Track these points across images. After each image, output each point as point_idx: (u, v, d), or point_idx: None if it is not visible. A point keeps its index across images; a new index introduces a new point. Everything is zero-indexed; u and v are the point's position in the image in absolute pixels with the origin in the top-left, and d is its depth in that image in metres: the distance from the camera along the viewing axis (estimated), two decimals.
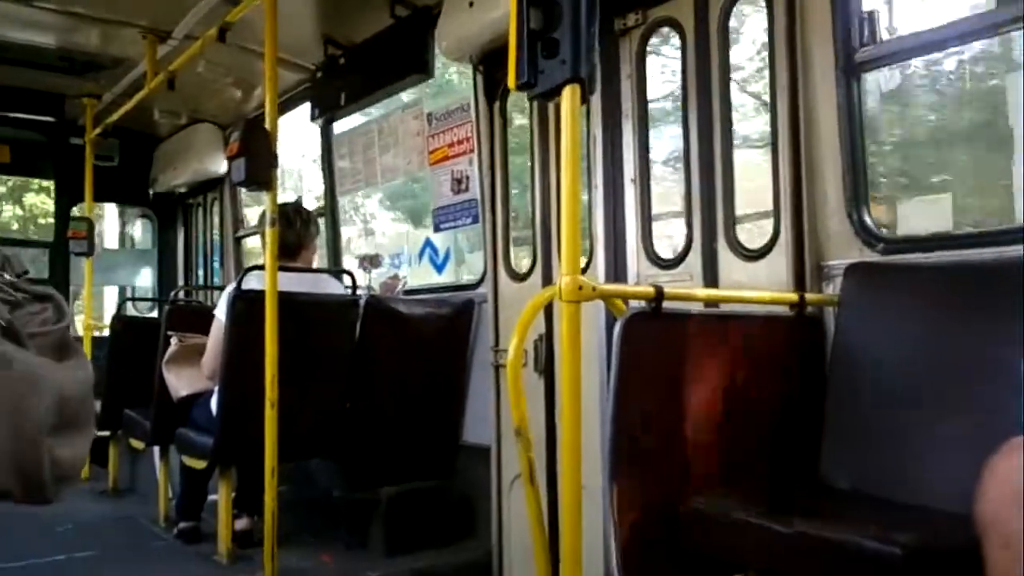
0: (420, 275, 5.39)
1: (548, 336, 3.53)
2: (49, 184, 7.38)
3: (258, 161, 3.57)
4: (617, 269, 3.33)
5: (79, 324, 6.02)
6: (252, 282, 3.76)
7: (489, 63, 3.78)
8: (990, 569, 1.45)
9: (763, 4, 2.88)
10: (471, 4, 3.57)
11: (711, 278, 3.01)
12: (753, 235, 2.92)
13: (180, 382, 4.33)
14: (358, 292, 4.19)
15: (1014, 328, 2.00)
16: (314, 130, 5.40)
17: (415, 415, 4.14)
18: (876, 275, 2.48)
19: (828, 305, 2.58)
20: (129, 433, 4.99)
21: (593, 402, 2.99)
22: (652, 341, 2.26)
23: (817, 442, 2.42)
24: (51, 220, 7.43)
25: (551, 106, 3.48)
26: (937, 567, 1.74)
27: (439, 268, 4.97)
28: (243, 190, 6.17)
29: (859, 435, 2.34)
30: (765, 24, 2.85)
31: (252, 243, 6.55)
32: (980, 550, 1.46)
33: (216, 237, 6.99)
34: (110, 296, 8.76)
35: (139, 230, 7.99)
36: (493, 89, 3.86)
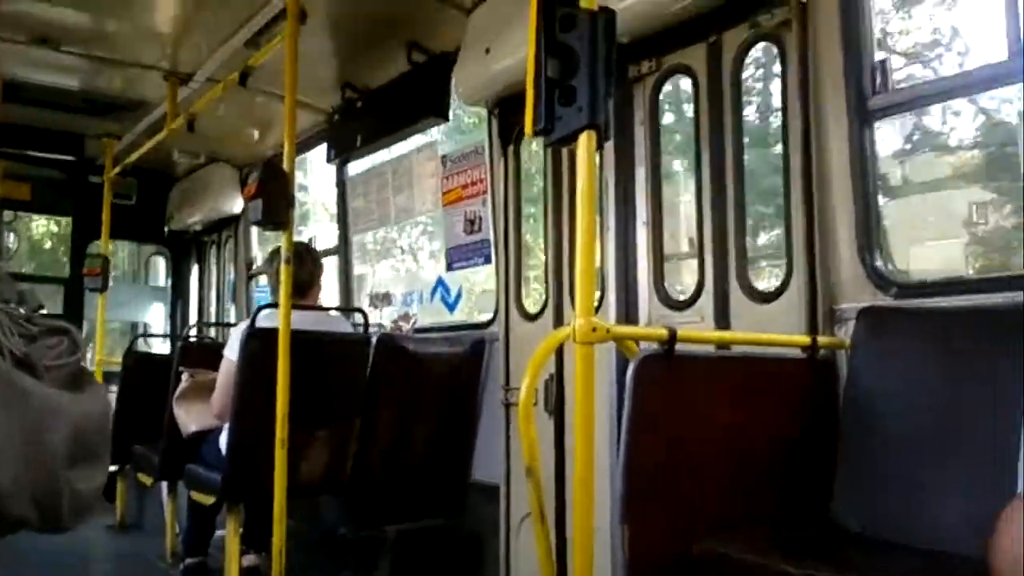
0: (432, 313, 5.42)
1: (559, 376, 3.54)
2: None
3: (275, 201, 3.62)
4: (628, 310, 3.36)
5: (90, 359, 6.05)
6: (263, 320, 3.79)
7: (504, 108, 3.85)
8: None
9: (776, 52, 2.95)
10: (487, 51, 3.65)
11: (723, 320, 3.02)
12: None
13: (190, 418, 4.34)
14: (370, 330, 4.21)
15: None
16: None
17: (425, 453, 4.13)
18: (888, 319, 2.50)
19: (840, 348, 2.59)
20: (138, 468, 4.99)
21: (603, 443, 2.99)
22: (665, 383, 2.27)
23: (829, 485, 2.42)
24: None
25: (564, 150, 3.53)
26: None
27: (451, 307, 4.99)
28: (255, 229, 6.26)
29: (871, 478, 2.34)
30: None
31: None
32: None
33: (229, 275, 7.05)
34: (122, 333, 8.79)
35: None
36: (507, 133, 3.93)
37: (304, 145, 5.48)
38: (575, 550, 2.07)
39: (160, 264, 7.86)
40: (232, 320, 6.69)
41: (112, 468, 5.33)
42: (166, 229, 7.17)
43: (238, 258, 6.77)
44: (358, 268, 5.94)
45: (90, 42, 4.63)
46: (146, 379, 5.11)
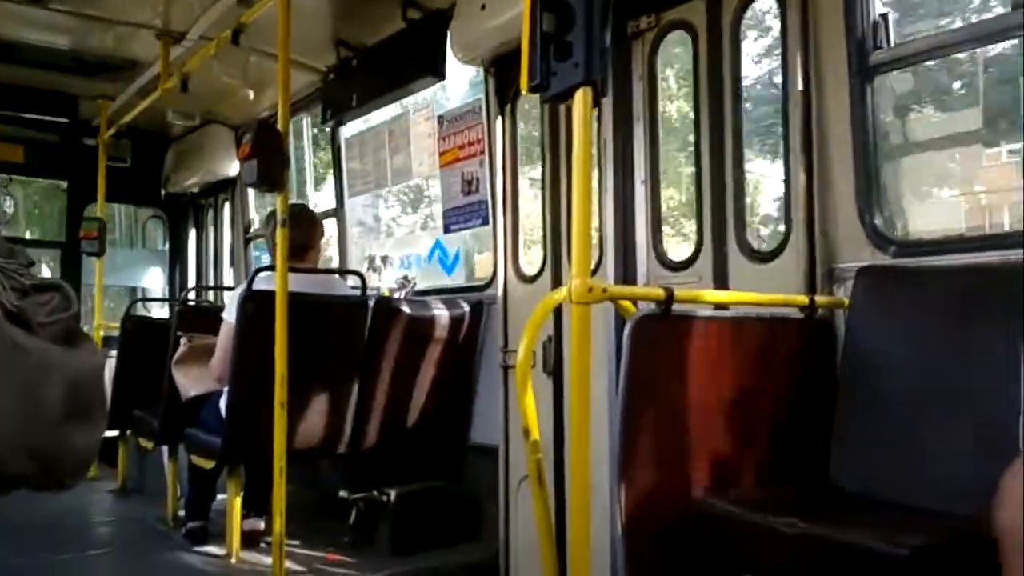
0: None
1: (557, 337, 3.53)
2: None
3: (270, 163, 3.58)
4: (627, 271, 3.33)
5: (89, 324, 6.05)
6: (261, 283, 3.78)
7: (500, 66, 3.80)
8: (1007, 572, 1.46)
9: (776, 7, 2.89)
10: (483, 7, 3.59)
11: (721, 280, 3.01)
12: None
13: (189, 382, 4.35)
14: (367, 293, 4.20)
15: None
16: None
17: (423, 415, 4.15)
18: (887, 278, 2.48)
19: (838, 308, 2.58)
20: (138, 433, 5.01)
21: (601, 403, 2.99)
22: (662, 343, 2.26)
23: (826, 444, 2.42)
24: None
25: (562, 108, 3.49)
26: (943, 568, 1.74)
27: (449, 270, 4.98)
28: (252, 191, 6.22)
29: (868, 438, 2.34)
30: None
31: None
32: (998, 555, 1.46)
33: (227, 238, 7.02)
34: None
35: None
36: (504, 91, 3.87)
37: (299, 105, 5.42)
38: (573, 510, 2.08)
39: (157, 228, 7.83)
40: (230, 283, 6.68)
41: (112, 433, 5.35)
42: (162, 192, 7.12)
43: (235, 221, 6.74)
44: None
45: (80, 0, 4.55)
46: (145, 343, 5.11)
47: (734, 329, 2.44)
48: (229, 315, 3.91)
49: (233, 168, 6.24)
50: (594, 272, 3.20)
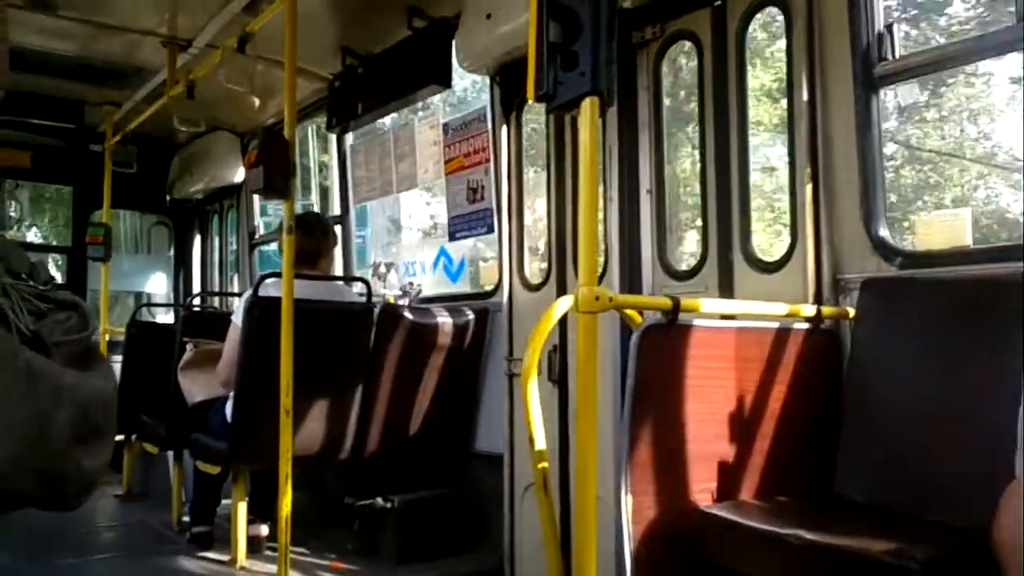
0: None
1: (562, 346, 3.54)
2: None
3: (276, 170, 3.60)
4: (632, 280, 3.34)
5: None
6: (268, 289, 3.79)
7: (506, 74, 3.81)
8: None
9: (781, 18, 2.90)
10: (489, 16, 3.60)
11: (726, 290, 3.01)
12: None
13: (195, 387, 4.36)
14: (373, 300, 4.21)
15: None
16: None
17: (428, 423, 4.15)
18: (893, 289, 2.48)
19: (844, 318, 2.58)
20: (143, 438, 5.02)
21: (606, 412, 2.99)
22: (668, 352, 2.27)
23: (832, 454, 2.42)
24: None
25: (567, 117, 3.50)
26: None
27: (454, 277, 4.98)
28: (257, 197, 6.24)
29: (874, 448, 2.34)
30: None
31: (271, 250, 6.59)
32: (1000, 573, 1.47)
33: (232, 244, 7.04)
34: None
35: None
36: (510, 100, 3.89)
37: (305, 113, 5.44)
38: (578, 519, 2.08)
39: (163, 234, 7.85)
40: (236, 289, 6.70)
41: (118, 438, 5.36)
42: (168, 198, 7.14)
43: (241, 227, 6.75)
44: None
45: (88, 7, 4.57)
46: (150, 349, 5.12)
47: (740, 339, 2.44)
48: (238, 318, 3.92)
49: (238, 175, 6.25)
50: (599, 280, 3.21)
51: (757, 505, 2.27)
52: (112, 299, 6.61)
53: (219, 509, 4.32)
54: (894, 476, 2.27)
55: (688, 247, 3.46)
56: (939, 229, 2.61)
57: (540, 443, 2.34)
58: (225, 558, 3.95)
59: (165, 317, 7.22)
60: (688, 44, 3.26)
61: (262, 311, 3.72)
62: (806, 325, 2.52)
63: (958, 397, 2.19)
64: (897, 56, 2.62)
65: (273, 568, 3.59)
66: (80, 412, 1.24)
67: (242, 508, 3.90)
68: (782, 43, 2.91)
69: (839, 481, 2.38)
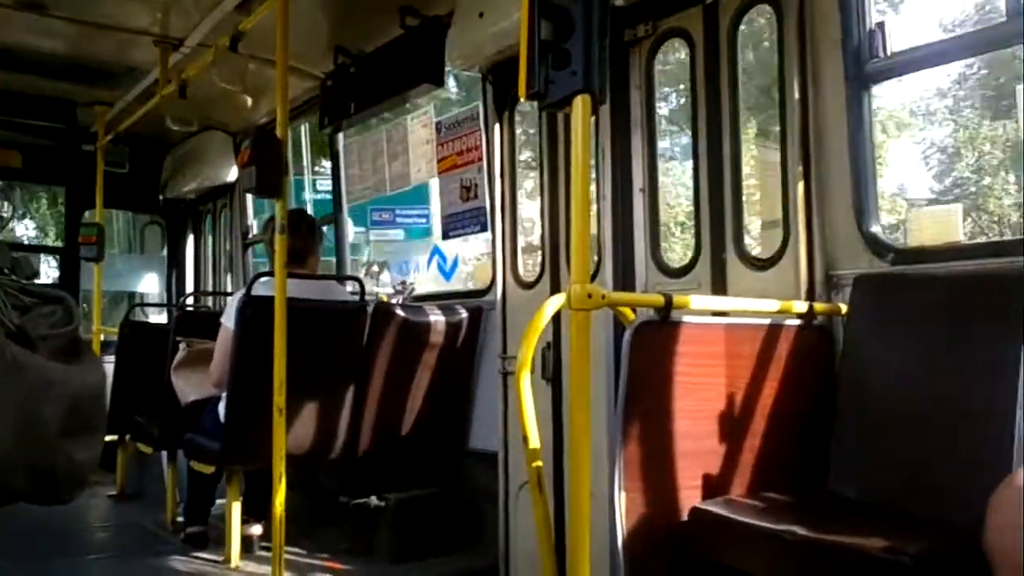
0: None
1: (556, 343, 3.54)
2: None
3: (269, 169, 3.59)
4: (625, 278, 3.35)
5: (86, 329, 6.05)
6: (260, 288, 3.78)
7: (498, 73, 3.81)
8: None
9: (773, 16, 2.90)
10: (481, 15, 3.60)
11: (719, 287, 3.02)
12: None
13: (188, 387, 4.36)
14: (366, 298, 4.20)
15: (1022, 339, 2.00)
16: None
17: (422, 421, 4.15)
18: (885, 285, 2.49)
19: (836, 315, 2.59)
20: (137, 438, 5.01)
21: (600, 409, 2.99)
22: (661, 349, 2.27)
23: (825, 451, 2.43)
24: None
25: (559, 116, 3.50)
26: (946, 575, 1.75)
27: (447, 276, 4.98)
28: (250, 197, 6.23)
29: (867, 445, 2.35)
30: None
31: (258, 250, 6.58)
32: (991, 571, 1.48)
33: (226, 244, 7.02)
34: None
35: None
36: (502, 99, 3.89)
37: (298, 112, 5.43)
38: (572, 517, 2.08)
39: (155, 234, 7.83)
40: (229, 289, 6.68)
41: (111, 438, 5.35)
42: (160, 198, 7.12)
43: (234, 226, 6.74)
44: None
45: (79, 6, 4.55)
46: (143, 349, 5.12)
47: (733, 336, 2.45)
48: (228, 320, 3.92)
49: (231, 174, 6.24)
50: (592, 278, 3.21)
51: (750, 501, 2.27)
52: (106, 299, 6.59)
53: (213, 509, 4.32)
54: (887, 472, 2.28)
55: None
56: (931, 225, 2.62)
57: (534, 441, 2.34)
58: (219, 558, 3.94)
59: (158, 317, 7.21)
60: (680, 42, 3.26)
61: (255, 310, 3.72)
62: (799, 321, 2.53)
63: (950, 393, 2.19)
64: (889, 53, 2.62)
65: (267, 567, 3.59)
66: (69, 406, 1.24)
67: (236, 508, 3.89)
68: None
69: (832, 477, 2.39)
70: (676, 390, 2.30)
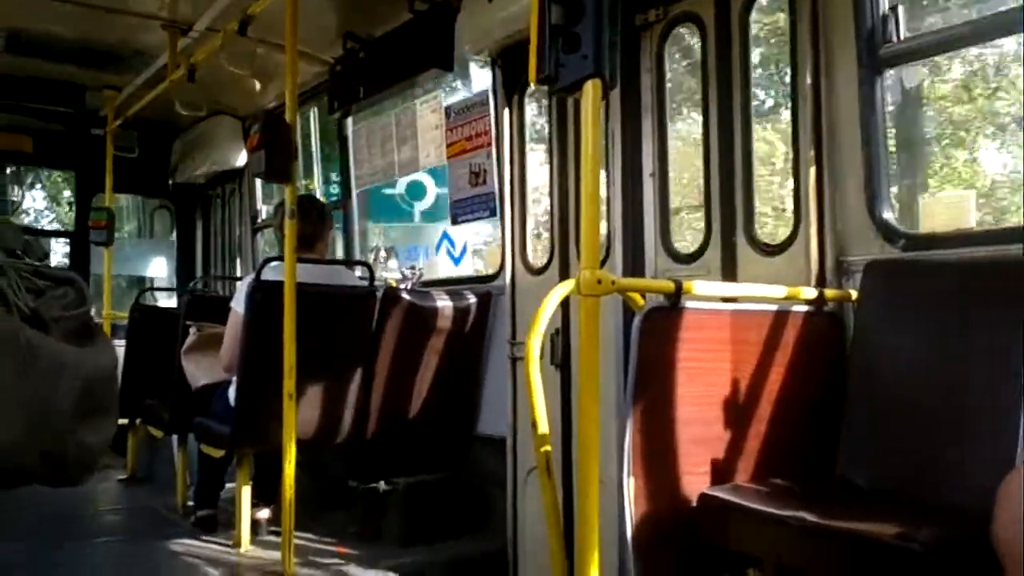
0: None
1: (565, 329, 3.54)
2: None
3: (278, 154, 3.59)
4: (635, 263, 3.34)
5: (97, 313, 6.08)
6: (269, 273, 3.79)
7: (508, 57, 3.79)
8: None
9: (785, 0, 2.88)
10: None
11: (730, 273, 3.01)
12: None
13: (198, 371, 4.37)
14: (375, 283, 4.21)
15: None
16: None
17: (431, 406, 4.16)
18: (896, 271, 2.48)
19: (847, 301, 2.58)
20: (147, 421, 5.04)
21: (609, 395, 3.00)
22: (670, 335, 2.26)
23: (835, 437, 2.42)
24: None
25: (569, 100, 3.48)
26: (956, 563, 1.74)
27: (456, 261, 4.97)
28: (260, 181, 6.23)
29: (877, 432, 2.34)
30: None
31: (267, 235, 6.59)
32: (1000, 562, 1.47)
33: (235, 228, 7.04)
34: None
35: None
36: (512, 83, 3.87)
37: (306, 96, 5.42)
38: (581, 502, 2.08)
39: (165, 218, 7.86)
40: (239, 274, 6.70)
41: (122, 421, 5.38)
42: (170, 182, 7.13)
43: (243, 211, 6.75)
44: None
45: None
46: (153, 333, 5.14)
47: (743, 322, 2.44)
48: (238, 304, 3.93)
49: (240, 158, 6.24)
50: (602, 264, 3.20)
51: (759, 487, 2.27)
52: (123, 283, 6.62)
53: (223, 492, 4.34)
54: (896, 459, 2.27)
55: None
56: (942, 211, 2.60)
57: (543, 426, 2.34)
58: (229, 541, 3.97)
59: (168, 301, 7.24)
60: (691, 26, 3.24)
61: (264, 295, 3.73)
62: (809, 308, 2.52)
63: (961, 380, 2.19)
64: (902, 38, 2.60)
65: (276, 551, 3.62)
66: (82, 388, 1.24)
67: (246, 492, 3.92)
68: None
69: (841, 464, 2.39)
70: (685, 376, 2.29)
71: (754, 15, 3.04)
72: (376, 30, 4.65)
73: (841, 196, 2.69)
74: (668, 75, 3.34)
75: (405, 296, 4.10)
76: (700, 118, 3.17)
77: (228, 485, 4.28)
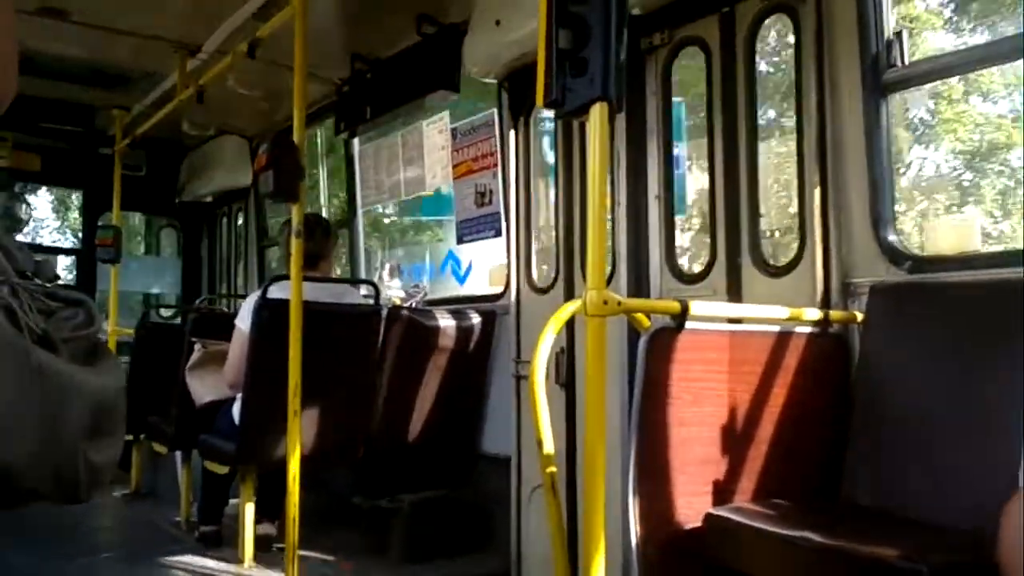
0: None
1: (570, 349, 3.55)
2: None
3: (286, 174, 3.62)
4: (640, 284, 3.36)
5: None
6: (274, 291, 3.81)
7: (514, 80, 3.83)
8: None
9: (790, 24, 2.92)
10: (498, 23, 3.62)
11: (735, 294, 3.02)
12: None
13: (203, 388, 4.39)
14: (380, 302, 4.23)
15: None
16: None
17: (435, 424, 4.17)
18: (902, 294, 2.49)
19: (852, 323, 2.59)
20: (152, 438, 5.05)
21: (614, 415, 3.00)
22: (676, 356, 2.27)
23: (841, 459, 2.43)
24: None
25: (575, 122, 3.51)
26: None
27: (461, 280, 5.00)
28: (267, 201, 6.27)
29: (882, 453, 2.35)
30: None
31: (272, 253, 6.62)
32: None
33: (241, 246, 7.08)
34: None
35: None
36: (518, 106, 3.91)
37: (314, 117, 5.47)
38: (586, 522, 2.09)
39: (172, 236, 7.90)
40: (243, 291, 6.73)
41: (127, 437, 5.39)
42: (177, 201, 7.18)
43: (248, 230, 6.78)
44: None
45: (99, 13, 4.61)
46: (159, 349, 5.15)
47: (748, 343, 2.45)
48: (242, 322, 3.95)
49: (247, 178, 6.29)
50: (607, 284, 3.22)
51: (766, 508, 2.28)
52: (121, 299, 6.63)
53: (227, 509, 4.35)
54: (902, 481, 2.28)
55: None
56: (948, 233, 2.62)
57: (548, 446, 2.35)
58: (234, 557, 3.97)
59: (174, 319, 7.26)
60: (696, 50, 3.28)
61: (271, 313, 3.75)
62: (814, 329, 2.53)
63: (968, 402, 2.19)
64: (906, 63, 2.63)
65: (280, 567, 3.61)
66: (90, 409, 1.25)
67: (250, 508, 3.92)
68: None
69: (847, 485, 2.39)
70: (691, 396, 2.30)
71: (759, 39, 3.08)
72: (384, 52, 4.70)
73: (847, 218, 2.71)
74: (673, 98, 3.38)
75: (410, 315, 4.12)
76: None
77: (232, 501, 4.28)
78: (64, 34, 4.82)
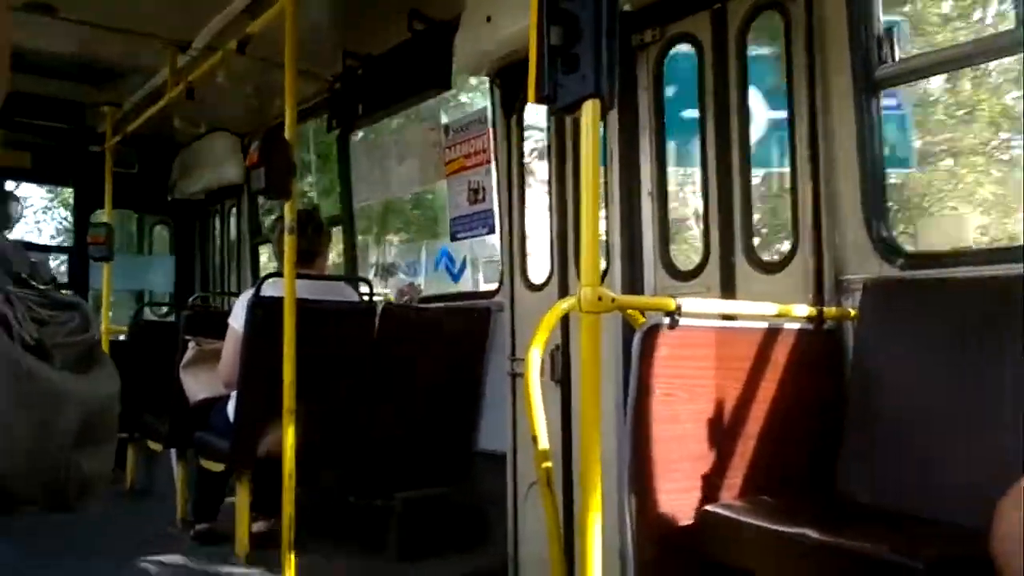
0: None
1: (565, 346, 3.55)
2: None
3: (277, 170, 3.61)
4: (634, 281, 3.36)
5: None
6: (268, 289, 3.81)
7: (506, 76, 3.82)
8: None
9: (781, 20, 2.91)
10: (489, 19, 3.60)
11: (729, 290, 3.03)
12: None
13: (197, 386, 4.38)
14: (375, 299, 4.23)
15: None
16: None
17: (430, 422, 4.17)
18: (895, 290, 2.50)
19: (846, 319, 2.60)
20: (146, 436, 5.05)
21: (608, 412, 3.00)
22: (670, 353, 2.28)
23: (835, 454, 2.44)
24: None
25: (567, 119, 3.51)
26: None
27: (455, 277, 5.00)
28: (261, 198, 6.25)
29: (877, 450, 2.36)
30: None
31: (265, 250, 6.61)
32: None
33: (234, 244, 7.05)
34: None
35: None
36: (510, 102, 3.90)
37: (305, 114, 5.45)
38: (582, 519, 2.09)
39: (164, 234, 7.87)
40: (236, 288, 6.71)
41: (122, 435, 5.38)
42: (169, 198, 7.15)
43: (242, 227, 6.76)
44: None
45: (88, 8, 4.58)
46: (153, 347, 5.15)
47: (742, 339, 2.46)
48: (235, 321, 3.94)
49: (239, 175, 6.27)
50: (601, 281, 3.22)
51: (761, 504, 2.29)
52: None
53: (222, 506, 4.34)
54: (898, 476, 2.29)
55: None
56: (941, 230, 2.63)
57: (544, 442, 2.36)
58: (229, 555, 3.97)
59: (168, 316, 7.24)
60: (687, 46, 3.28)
61: (264, 311, 3.74)
62: (808, 326, 2.54)
63: (962, 398, 2.20)
64: (897, 59, 2.63)
65: (276, 565, 3.61)
66: (82, 418, 1.25)
67: (246, 505, 3.92)
68: None
69: (841, 481, 2.40)
70: (686, 393, 2.31)
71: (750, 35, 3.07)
72: (375, 48, 4.68)
73: (840, 215, 2.71)
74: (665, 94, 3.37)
75: (404, 312, 4.12)
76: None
77: (228, 499, 4.28)
78: (53, 30, 4.79)
